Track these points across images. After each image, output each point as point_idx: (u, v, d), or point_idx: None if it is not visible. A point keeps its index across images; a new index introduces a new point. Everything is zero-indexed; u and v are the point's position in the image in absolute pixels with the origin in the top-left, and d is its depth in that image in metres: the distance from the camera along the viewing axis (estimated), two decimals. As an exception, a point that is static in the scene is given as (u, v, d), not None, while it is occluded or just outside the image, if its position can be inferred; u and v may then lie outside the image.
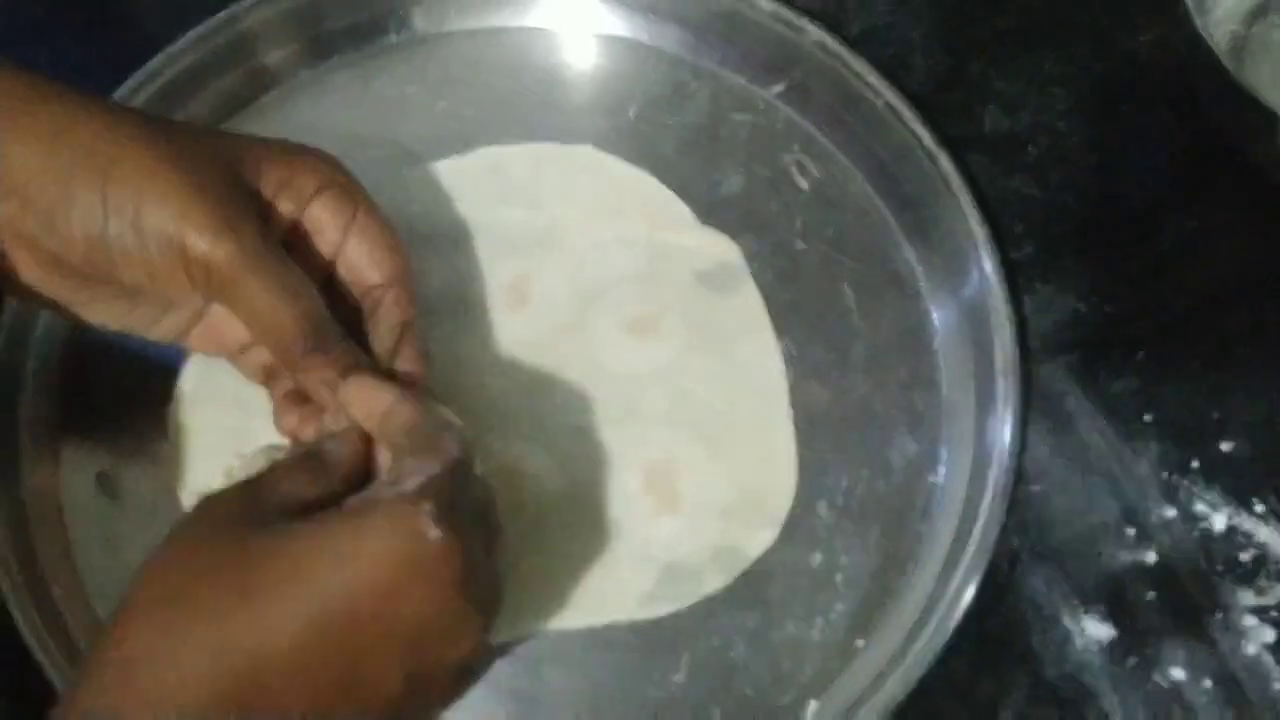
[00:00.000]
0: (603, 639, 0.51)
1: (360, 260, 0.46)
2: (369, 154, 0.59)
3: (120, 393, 0.54)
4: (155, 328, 0.46)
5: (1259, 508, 0.53)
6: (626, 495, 0.53)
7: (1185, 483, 0.54)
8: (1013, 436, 0.52)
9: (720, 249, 0.58)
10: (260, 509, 0.37)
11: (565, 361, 0.55)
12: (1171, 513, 0.53)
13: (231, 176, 0.43)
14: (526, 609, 0.51)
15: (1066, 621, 0.52)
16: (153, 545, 0.51)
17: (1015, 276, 0.57)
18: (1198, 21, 0.54)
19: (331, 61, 0.62)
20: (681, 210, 0.58)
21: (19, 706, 0.49)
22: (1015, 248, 0.58)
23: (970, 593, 0.50)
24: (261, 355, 0.47)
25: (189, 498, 0.52)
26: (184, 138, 0.43)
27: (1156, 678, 0.51)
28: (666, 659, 0.50)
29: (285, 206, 0.45)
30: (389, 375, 0.44)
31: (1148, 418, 0.55)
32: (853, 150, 0.60)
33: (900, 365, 0.56)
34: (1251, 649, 0.51)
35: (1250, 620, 0.51)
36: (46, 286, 0.43)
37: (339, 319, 0.44)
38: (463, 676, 0.39)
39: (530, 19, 0.63)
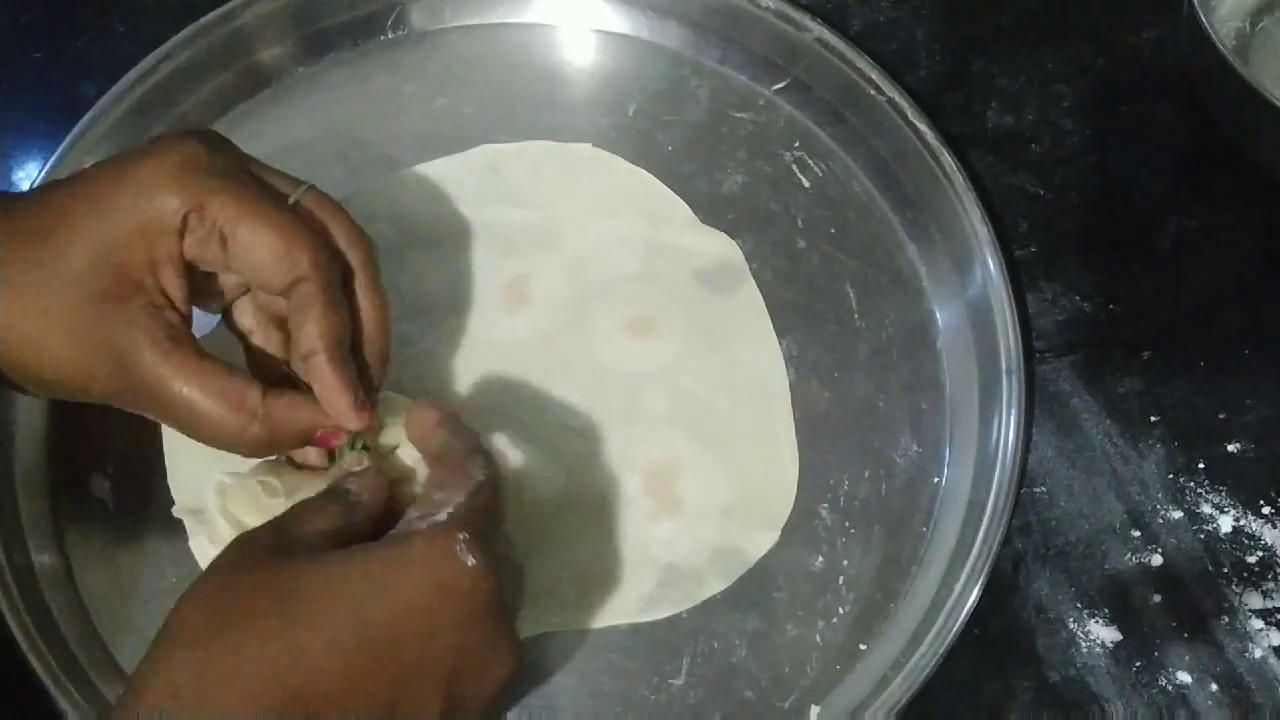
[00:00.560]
0: (602, 641, 0.50)
1: (257, 278, 0.43)
2: (366, 152, 0.59)
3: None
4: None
5: (1266, 509, 0.53)
6: (626, 496, 0.52)
7: (1191, 484, 0.54)
8: (1017, 437, 0.52)
9: (720, 248, 0.57)
10: (293, 543, 0.38)
11: (565, 361, 0.55)
12: (1177, 515, 0.53)
13: (98, 292, 0.40)
14: (526, 611, 0.50)
15: (1071, 624, 0.51)
16: (145, 551, 0.51)
17: (1019, 275, 0.57)
18: (1203, 18, 0.54)
19: (328, 59, 0.61)
20: (681, 209, 0.58)
21: (16, 710, 0.48)
22: (1019, 246, 0.58)
23: (974, 595, 0.49)
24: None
25: (182, 506, 0.52)
26: (35, 289, 0.40)
27: (1162, 681, 0.50)
28: (667, 662, 0.50)
29: (197, 252, 0.42)
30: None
31: (1153, 418, 0.55)
32: (854, 148, 0.59)
33: (903, 365, 0.55)
34: (1258, 652, 0.51)
35: (1257, 623, 0.51)
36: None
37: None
38: (499, 700, 0.39)
39: (529, 15, 0.62)
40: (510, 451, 0.53)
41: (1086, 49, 0.62)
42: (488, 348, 0.55)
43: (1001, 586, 0.51)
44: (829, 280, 0.57)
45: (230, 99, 0.60)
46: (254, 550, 0.38)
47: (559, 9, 0.62)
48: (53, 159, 0.56)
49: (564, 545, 0.51)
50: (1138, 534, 0.53)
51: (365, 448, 0.45)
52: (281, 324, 0.46)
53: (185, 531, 0.51)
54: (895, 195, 0.58)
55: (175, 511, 0.49)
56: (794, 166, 0.59)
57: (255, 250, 0.41)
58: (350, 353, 0.44)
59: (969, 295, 0.56)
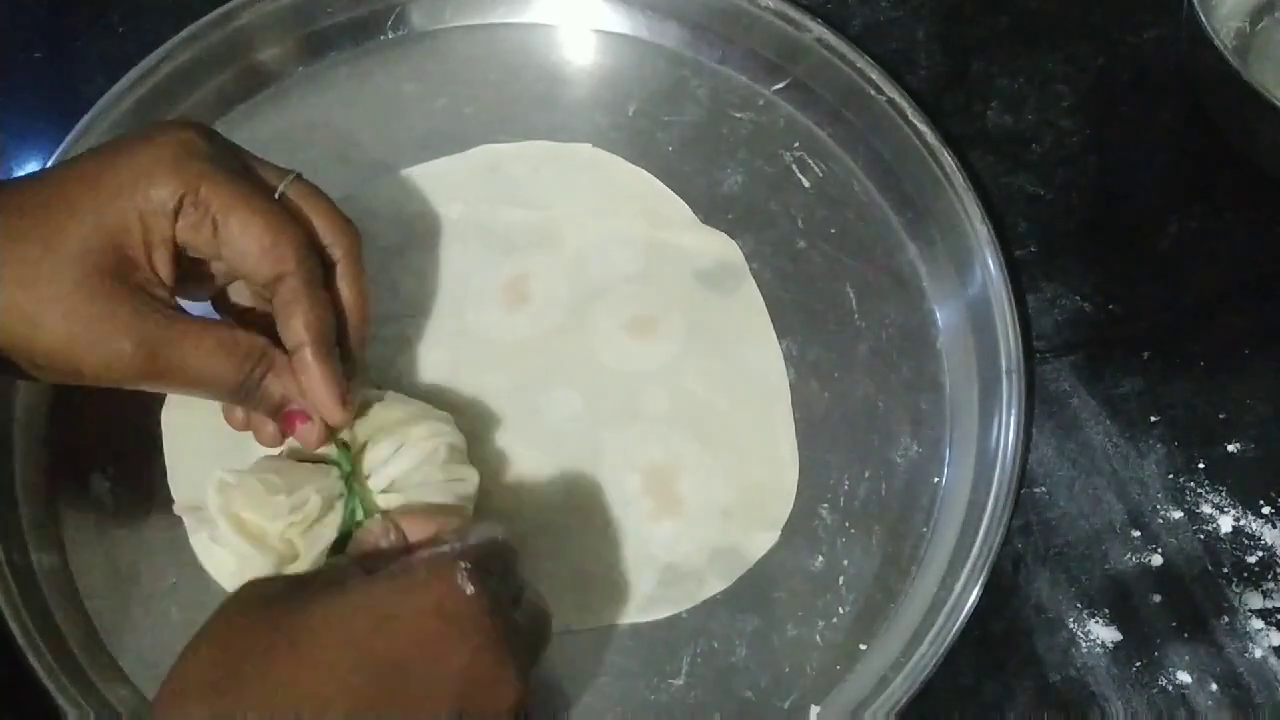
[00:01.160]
0: (602, 641, 0.50)
1: (244, 267, 0.43)
2: (366, 152, 0.59)
3: (112, 396, 0.53)
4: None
5: (1266, 509, 0.53)
6: (626, 496, 0.52)
7: (1191, 484, 0.54)
8: (1017, 438, 0.52)
9: (720, 248, 0.57)
10: (306, 582, 0.39)
11: (565, 361, 0.55)
12: (1177, 515, 0.53)
13: (96, 270, 0.41)
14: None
15: (1071, 624, 0.51)
16: (145, 550, 0.51)
17: (1019, 275, 0.57)
18: (1203, 18, 0.54)
19: (328, 59, 0.61)
20: (681, 209, 0.58)
21: (16, 710, 0.48)
22: (1019, 246, 0.58)
23: (974, 595, 0.49)
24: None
25: (182, 503, 0.52)
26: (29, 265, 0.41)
27: (1162, 681, 0.50)
28: (667, 662, 0.50)
29: (190, 238, 0.43)
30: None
31: (1153, 418, 0.55)
32: (854, 148, 0.59)
33: (903, 365, 0.55)
34: (1258, 652, 0.51)
35: (1257, 623, 0.51)
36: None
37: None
38: None
39: (529, 15, 0.62)
40: (510, 451, 0.53)
41: (1086, 49, 0.62)
42: (488, 348, 0.55)
43: (1001, 586, 0.51)
44: (829, 280, 0.57)
45: (230, 99, 0.60)
46: (265, 590, 0.38)
47: (559, 9, 0.62)
48: (53, 159, 0.56)
49: (564, 545, 0.51)
50: (1138, 534, 0.53)
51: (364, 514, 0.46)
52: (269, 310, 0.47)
53: (185, 530, 0.51)
54: (895, 195, 0.58)
55: (176, 509, 0.49)
56: (794, 166, 0.59)
57: (243, 241, 0.42)
58: (335, 344, 0.45)
59: (969, 295, 0.56)
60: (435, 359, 0.55)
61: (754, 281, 0.57)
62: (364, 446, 0.46)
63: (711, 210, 0.58)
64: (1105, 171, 0.60)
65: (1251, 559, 0.52)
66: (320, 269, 0.44)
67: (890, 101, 0.58)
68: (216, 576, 0.45)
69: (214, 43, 0.59)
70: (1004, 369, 0.53)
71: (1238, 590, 0.52)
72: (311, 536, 0.44)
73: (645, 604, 0.51)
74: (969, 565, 0.50)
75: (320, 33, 0.61)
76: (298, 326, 0.43)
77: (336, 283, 0.46)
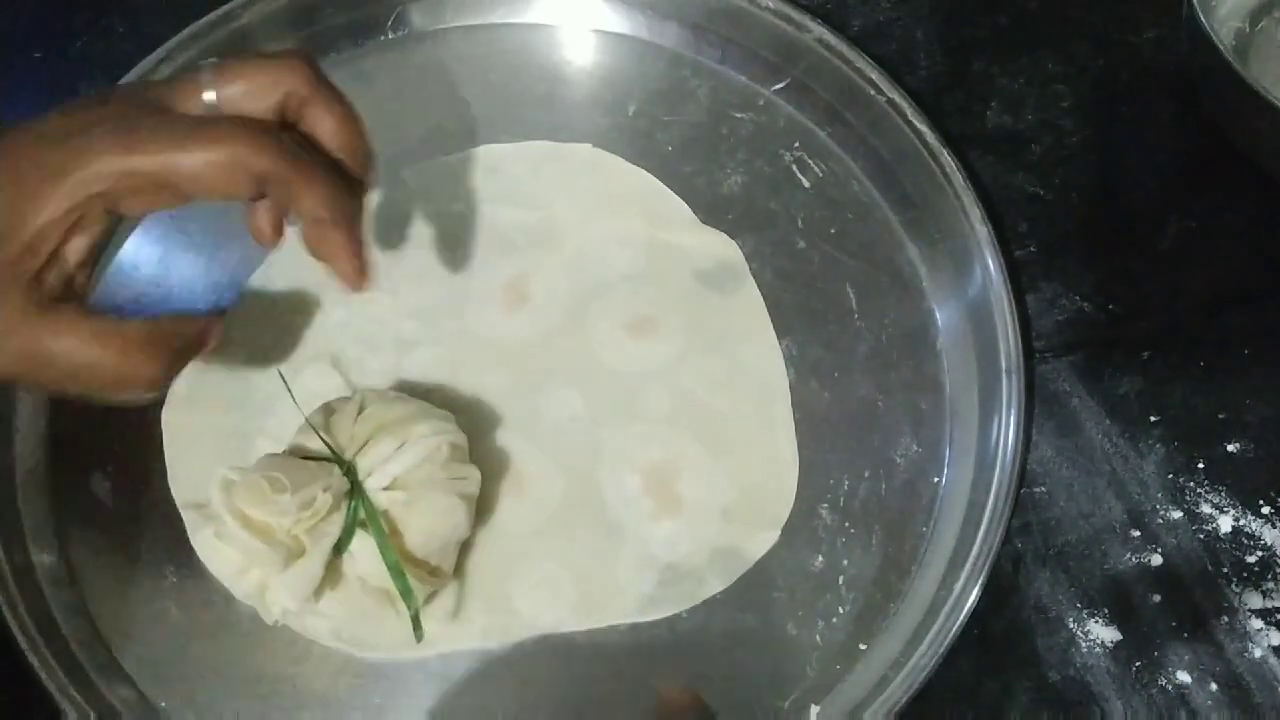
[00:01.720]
0: (602, 641, 0.50)
1: (220, 195, 0.41)
2: (366, 152, 0.59)
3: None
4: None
5: (1265, 509, 0.53)
6: (626, 496, 0.52)
7: (1191, 484, 0.54)
8: (1017, 437, 0.52)
9: (720, 248, 0.57)
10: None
11: (565, 361, 0.55)
12: (1177, 514, 0.53)
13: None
14: (525, 611, 0.51)
15: (1071, 624, 0.51)
16: (145, 550, 0.51)
17: (1018, 275, 0.57)
18: (1202, 19, 0.54)
19: (328, 59, 0.61)
20: (681, 209, 0.58)
21: (16, 710, 0.48)
22: (1018, 246, 0.58)
23: (974, 595, 0.49)
24: None
25: (184, 501, 0.52)
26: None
27: (1162, 681, 0.50)
28: (666, 662, 0.50)
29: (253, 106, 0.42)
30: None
31: (1153, 418, 0.55)
32: (854, 148, 0.59)
33: (903, 365, 0.55)
34: (1258, 652, 0.51)
35: (1257, 623, 0.51)
36: None
37: None
38: None
39: (529, 15, 0.62)
40: (510, 451, 0.53)
41: (1086, 49, 0.62)
42: (488, 348, 0.55)
43: (1001, 586, 0.51)
44: (829, 280, 0.57)
45: (230, 99, 0.60)
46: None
47: (559, 9, 0.62)
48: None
49: (564, 545, 0.51)
50: (1137, 534, 0.53)
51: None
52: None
53: (185, 530, 0.51)
54: (895, 195, 0.58)
55: (178, 496, 0.49)
56: (794, 167, 0.59)
57: (201, 185, 0.40)
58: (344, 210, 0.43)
59: (969, 295, 0.56)
60: (435, 359, 0.55)
61: (754, 281, 0.57)
62: (365, 444, 0.46)
63: (711, 210, 0.58)
64: (1105, 171, 0.60)
65: (1251, 559, 0.52)
66: (293, 144, 0.42)
67: (890, 102, 0.58)
68: (219, 575, 0.45)
69: (214, 43, 0.59)
70: (1004, 369, 0.53)
71: (1237, 590, 0.52)
72: (317, 533, 0.44)
73: (645, 603, 0.51)
74: (969, 565, 0.50)
75: (320, 33, 0.61)
76: (305, 208, 0.42)
77: (314, 124, 0.43)
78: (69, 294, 0.41)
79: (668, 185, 0.58)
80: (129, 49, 0.59)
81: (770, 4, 0.60)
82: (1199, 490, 0.53)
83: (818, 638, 0.50)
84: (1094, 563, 0.52)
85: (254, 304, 0.56)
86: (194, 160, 0.39)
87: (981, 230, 0.55)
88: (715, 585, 0.51)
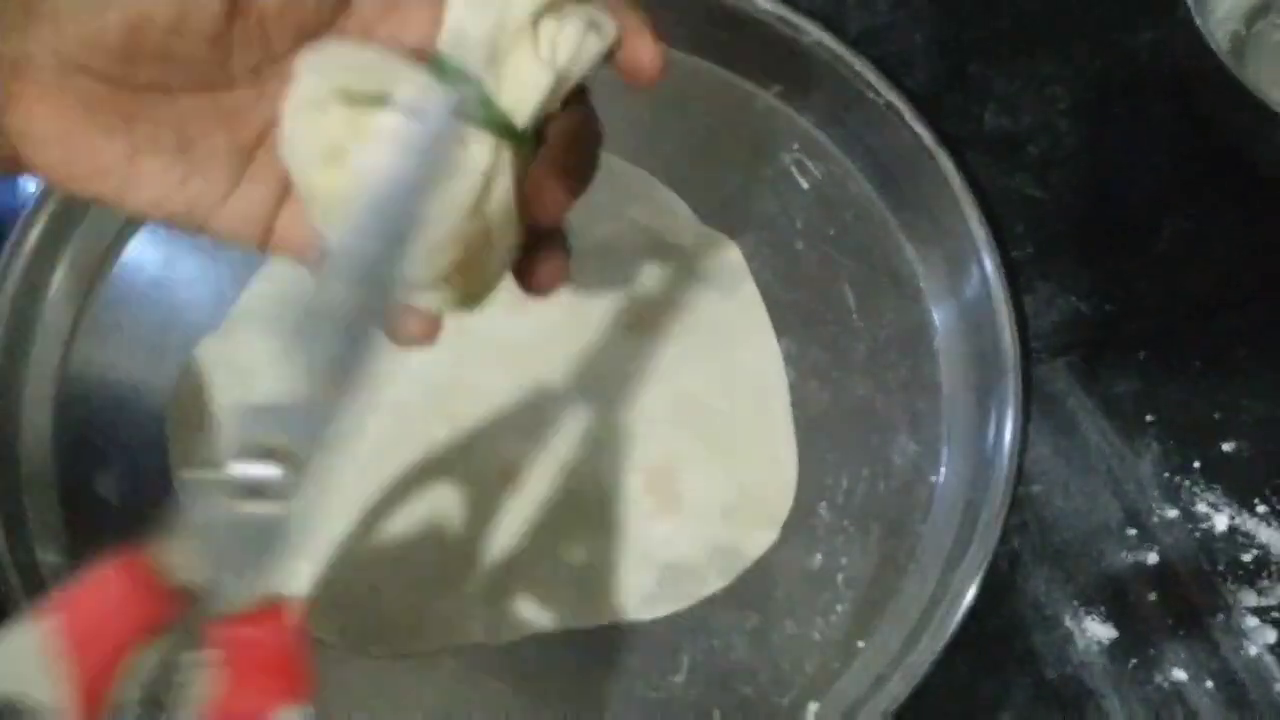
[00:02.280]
0: (602, 640, 0.51)
1: None
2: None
3: (119, 394, 0.54)
4: (222, 211, 0.33)
5: (1260, 508, 0.53)
6: (626, 495, 0.53)
7: (1187, 483, 0.54)
8: (1013, 437, 0.52)
9: (720, 249, 0.57)
10: None
11: (565, 361, 0.55)
12: (1173, 513, 0.53)
13: None
14: (525, 609, 0.51)
15: (1067, 622, 0.51)
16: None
17: (1015, 276, 0.57)
18: (1198, 21, 0.54)
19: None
20: (681, 210, 0.58)
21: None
22: (1015, 247, 0.58)
23: (971, 593, 0.50)
24: None
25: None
26: None
27: (1158, 679, 0.51)
28: (666, 660, 0.50)
29: None
30: None
31: (1149, 418, 0.55)
32: (853, 150, 0.59)
33: (901, 365, 0.55)
34: (1253, 650, 0.51)
35: (1252, 621, 0.51)
36: (69, 124, 0.30)
37: None
38: None
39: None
40: (510, 451, 0.53)
41: (1083, 52, 0.62)
42: (488, 347, 0.55)
43: (998, 584, 0.52)
44: (828, 281, 0.57)
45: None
46: None
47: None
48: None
49: (564, 545, 0.52)
50: (1134, 532, 0.53)
51: None
52: None
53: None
54: (893, 197, 0.59)
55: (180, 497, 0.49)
56: (793, 168, 0.59)
57: None
58: None
59: (966, 296, 0.56)
60: (435, 359, 0.55)
61: (753, 282, 0.57)
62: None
63: (711, 211, 0.58)
64: (1101, 172, 0.60)
65: (1246, 557, 0.52)
66: None
67: (888, 104, 0.58)
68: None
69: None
70: (1001, 369, 0.53)
71: (1233, 588, 0.52)
72: None
73: (645, 602, 0.51)
74: (966, 563, 0.50)
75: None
76: None
77: None
78: None
79: (668, 186, 0.58)
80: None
81: (769, 7, 0.60)
82: (1195, 489, 0.54)
83: (816, 635, 0.51)
84: (1090, 561, 0.52)
85: (257, 306, 0.56)
86: None
87: (979, 231, 0.56)
88: (714, 584, 0.51)
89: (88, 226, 0.55)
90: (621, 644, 0.50)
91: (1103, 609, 0.52)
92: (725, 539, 0.52)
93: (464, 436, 0.53)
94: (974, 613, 0.50)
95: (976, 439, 0.53)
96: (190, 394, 0.54)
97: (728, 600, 0.51)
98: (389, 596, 0.51)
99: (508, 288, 0.37)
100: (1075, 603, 0.52)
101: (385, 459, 0.53)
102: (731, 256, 0.57)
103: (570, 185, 0.37)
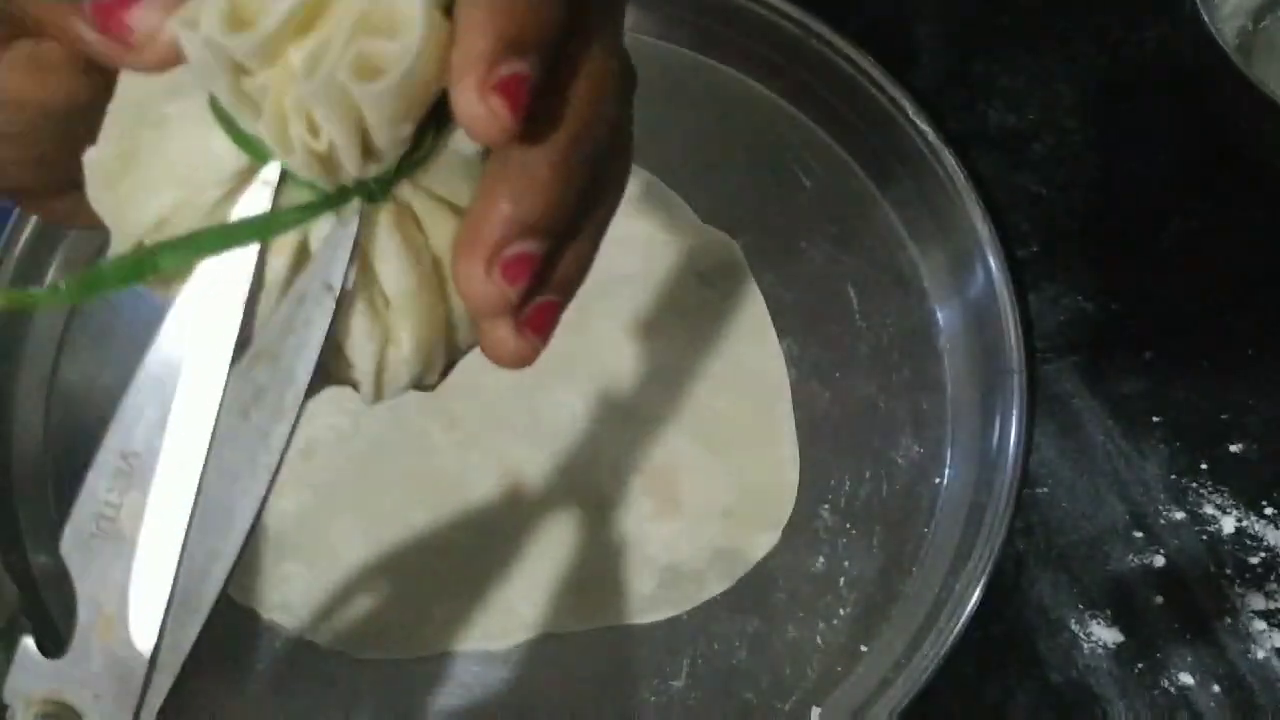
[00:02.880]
0: (601, 643, 0.50)
1: None
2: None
3: (110, 395, 0.53)
4: None
5: (1269, 510, 0.53)
6: (626, 497, 0.52)
7: (1194, 485, 0.53)
8: (1019, 438, 0.52)
9: (721, 247, 0.57)
10: None
11: (564, 361, 0.55)
12: (1180, 515, 0.53)
13: None
14: (524, 611, 0.50)
15: (1073, 626, 0.51)
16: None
17: (1020, 275, 0.56)
18: (1205, 17, 0.54)
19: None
20: (682, 208, 0.58)
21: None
22: (1020, 246, 0.58)
23: (976, 596, 0.49)
24: None
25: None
26: None
27: (1164, 683, 0.50)
28: (666, 663, 0.50)
29: None
30: None
31: (1156, 419, 0.55)
32: (855, 147, 0.59)
33: (904, 365, 0.55)
34: (1261, 654, 0.50)
35: (1260, 625, 0.51)
36: None
37: None
38: None
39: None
40: (510, 451, 0.53)
41: (1088, 48, 0.62)
42: (487, 348, 0.55)
43: (1003, 588, 0.51)
44: (830, 280, 0.57)
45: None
46: None
47: (559, 8, 0.62)
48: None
49: (564, 546, 0.51)
50: (1140, 535, 0.53)
51: None
52: None
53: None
54: (896, 195, 0.58)
55: None
56: (795, 166, 0.59)
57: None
58: None
59: (970, 295, 0.55)
60: (434, 359, 0.55)
61: (754, 281, 0.56)
62: None
63: (712, 209, 0.58)
64: (1107, 170, 0.60)
65: (1254, 560, 0.52)
66: None
67: (892, 100, 0.58)
68: None
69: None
70: (1005, 369, 0.53)
71: (1240, 591, 0.51)
72: None
73: (645, 605, 0.51)
74: (970, 566, 0.50)
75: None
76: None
77: None
78: None
79: (667, 184, 0.58)
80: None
81: (771, 3, 0.60)
82: (1202, 491, 0.53)
83: (818, 639, 0.50)
84: (1096, 564, 0.52)
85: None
86: None
87: (983, 230, 0.55)
88: (715, 586, 0.51)
89: (79, 230, 0.55)
90: (621, 648, 0.50)
91: (1108, 612, 0.51)
92: (726, 541, 0.52)
93: (463, 437, 0.53)
94: (978, 616, 0.49)
95: (981, 440, 0.53)
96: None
97: (729, 603, 0.51)
98: (387, 600, 0.50)
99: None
100: (1081, 606, 0.51)
101: (384, 460, 0.52)
102: (732, 255, 0.57)
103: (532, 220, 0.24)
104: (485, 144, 0.23)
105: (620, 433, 0.53)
